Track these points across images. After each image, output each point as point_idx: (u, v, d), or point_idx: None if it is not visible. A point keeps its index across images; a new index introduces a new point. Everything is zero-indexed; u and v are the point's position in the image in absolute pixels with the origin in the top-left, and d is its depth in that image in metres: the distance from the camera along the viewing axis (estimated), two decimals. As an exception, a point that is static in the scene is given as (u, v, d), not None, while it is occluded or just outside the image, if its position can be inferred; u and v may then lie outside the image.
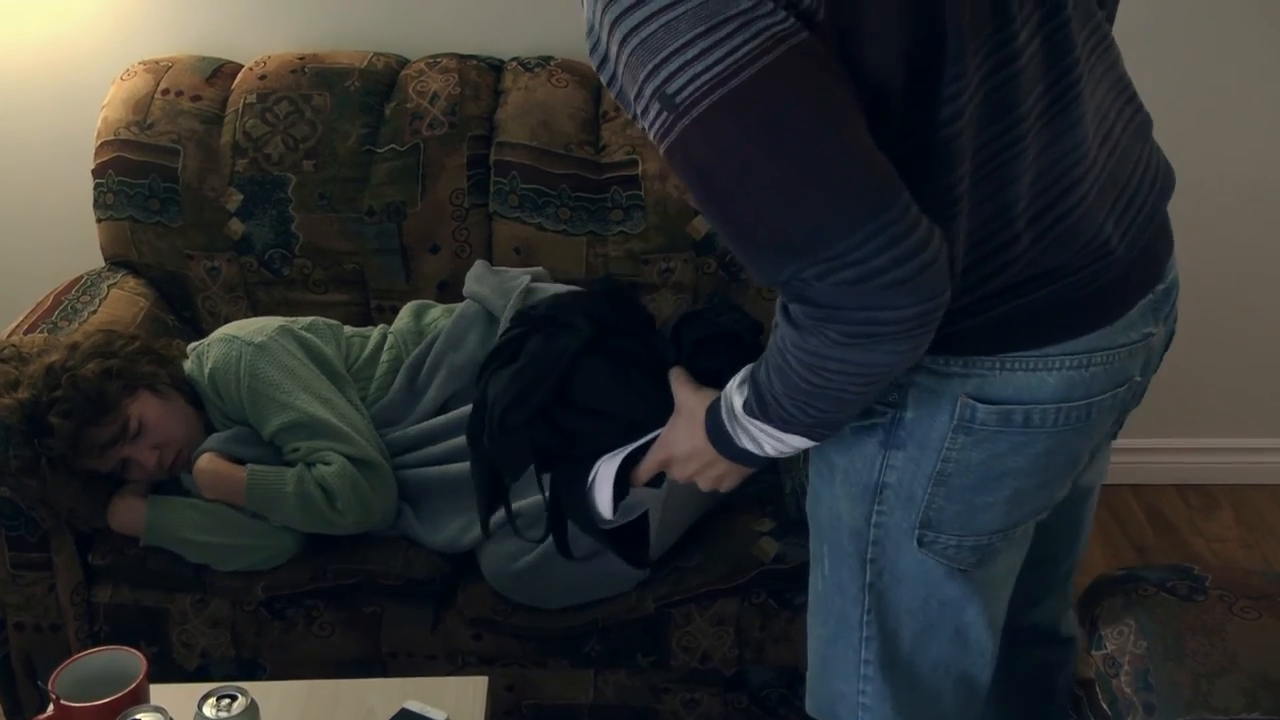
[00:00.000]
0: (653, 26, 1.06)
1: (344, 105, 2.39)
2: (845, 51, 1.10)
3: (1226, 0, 2.57)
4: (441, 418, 2.15)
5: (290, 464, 2.05)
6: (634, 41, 1.07)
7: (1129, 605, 1.68)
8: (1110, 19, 1.40)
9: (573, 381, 1.43)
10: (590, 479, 1.44)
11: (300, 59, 2.45)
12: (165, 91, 2.43)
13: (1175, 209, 1.42)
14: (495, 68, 2.48)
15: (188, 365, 2.17)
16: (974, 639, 1.45)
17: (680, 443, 1.39)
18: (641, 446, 1.43)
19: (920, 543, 1.37)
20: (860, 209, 1.08)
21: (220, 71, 2.47)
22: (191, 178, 2.40)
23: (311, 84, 2.40)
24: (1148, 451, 2.96)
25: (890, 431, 1.33)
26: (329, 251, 2.41)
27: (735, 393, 1.30)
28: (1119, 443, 3.09)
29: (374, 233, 2.38)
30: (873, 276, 1.09)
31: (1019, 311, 1.27)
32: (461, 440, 1.68)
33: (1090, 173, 1.28)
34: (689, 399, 1.38)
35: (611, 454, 1.44)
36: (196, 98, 2.43)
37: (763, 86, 1.05)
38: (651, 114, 1.09)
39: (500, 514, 1.65)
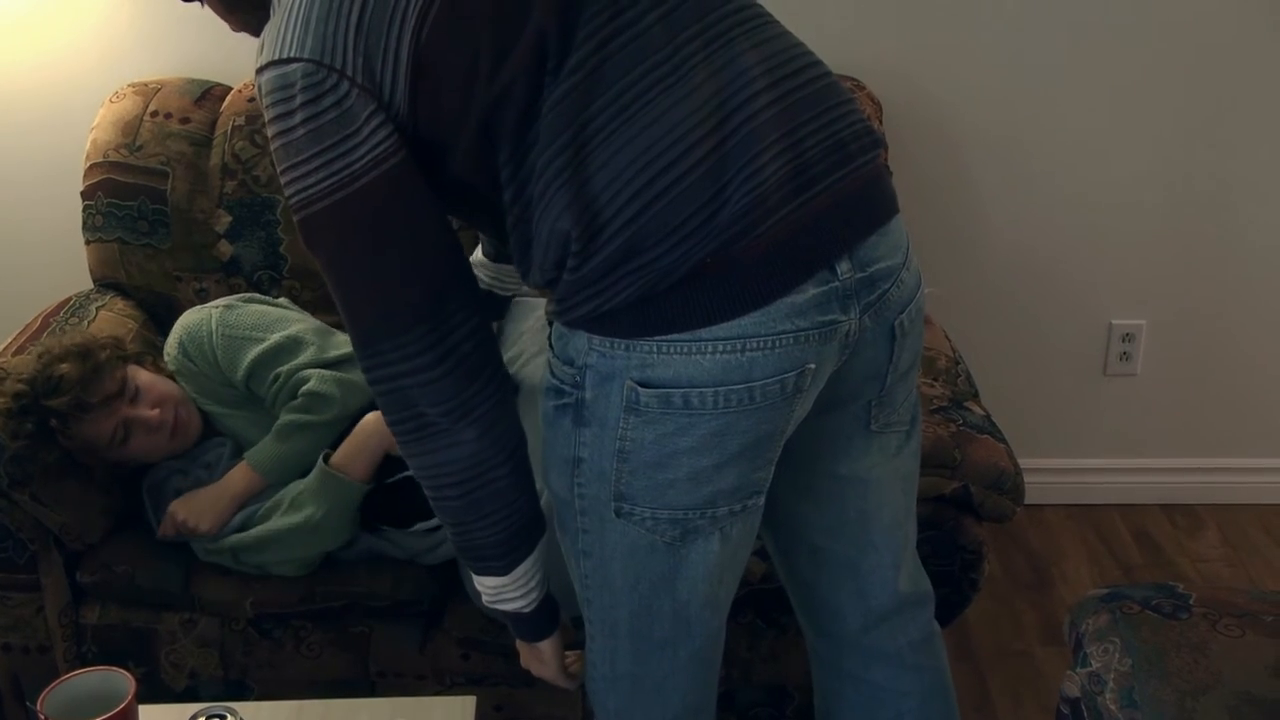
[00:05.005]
0: (281, 141, 1.32)
1: (333, 127, 2.39)
2: (431, 156, 1.36)
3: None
4: None
5: (272, 403, 2.13)
6: (274, 145, 1.34)
7: (1114, 623, 1.69)
8: None
9: None
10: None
11: (289, 81, 2.45)
12: (154, 114, 2.44)
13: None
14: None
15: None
16: (694, 618, 1.52)
17: None
18: None
19: (618, 514, 1.44)
20: (393, 325, 1.38)
21: (209, 94, 2.48)
22: (180, 200, 2.41)
23: (300, 106, 2.41)
24: (1134, 472, 2.98)
25: (577, 411, 1.41)
26: (317, 273, 2.39)
27: None
28: (1104, 462, 3.11)
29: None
30: (402, 377, 1.39)
31: (654, 293, 1.32)
32: None
33: (689, 155, 1.32)
34: None
35: None
36: (185, 120, 2.44)
37: (335, 213, 1.33)
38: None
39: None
